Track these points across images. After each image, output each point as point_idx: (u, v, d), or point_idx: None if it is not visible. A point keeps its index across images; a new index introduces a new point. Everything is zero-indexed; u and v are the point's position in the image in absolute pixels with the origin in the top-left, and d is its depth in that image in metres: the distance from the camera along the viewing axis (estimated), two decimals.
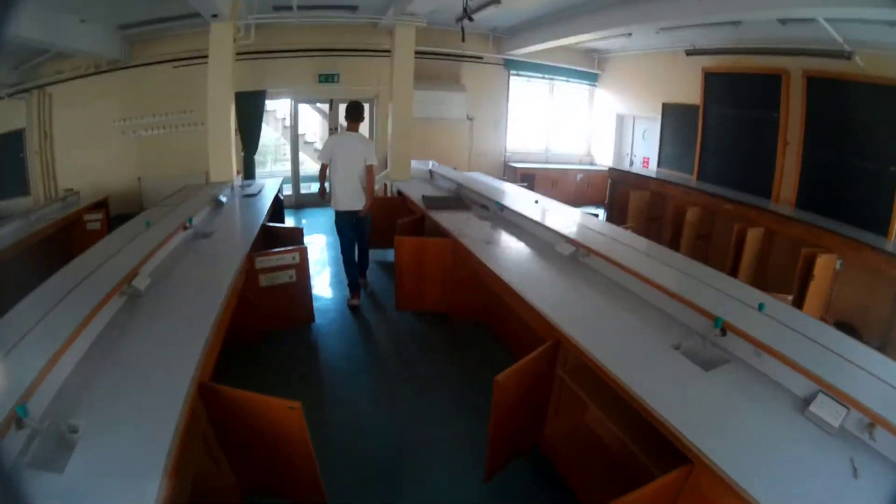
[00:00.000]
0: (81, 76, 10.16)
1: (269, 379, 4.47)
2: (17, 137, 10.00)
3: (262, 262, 4.75)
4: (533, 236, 5.05)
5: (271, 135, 15.59)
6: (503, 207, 5.75)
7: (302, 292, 5.12)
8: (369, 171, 5.78)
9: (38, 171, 10.15)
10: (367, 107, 10.82)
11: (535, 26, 10.30)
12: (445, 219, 5.65)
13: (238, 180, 8.36)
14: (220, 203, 6.64)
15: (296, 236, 5.82)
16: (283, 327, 5.23)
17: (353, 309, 6.02)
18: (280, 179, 9.06)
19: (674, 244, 7.41)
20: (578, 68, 12.53)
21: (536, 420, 3.47)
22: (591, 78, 12.80)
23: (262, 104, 10.88)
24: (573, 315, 3.24)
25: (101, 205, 8.18)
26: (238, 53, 9.26)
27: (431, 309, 5.54)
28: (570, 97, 13.16)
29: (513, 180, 10.85)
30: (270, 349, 4.95)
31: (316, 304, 5.67)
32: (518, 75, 12.35)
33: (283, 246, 5.18)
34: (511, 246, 4.88)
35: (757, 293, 3.44)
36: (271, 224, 6.07)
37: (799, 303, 5.49)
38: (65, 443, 2.04)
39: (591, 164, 13.12)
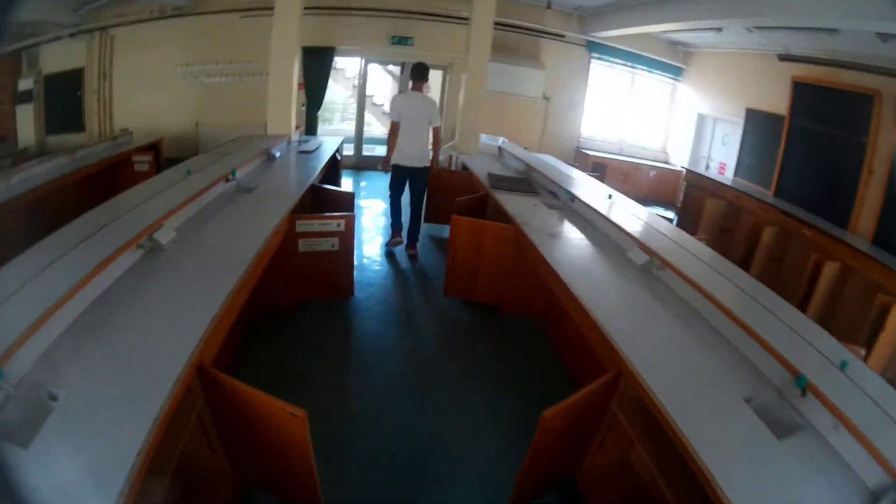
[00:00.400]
0: (145, 20, 10.10)
1: (294, 352, 4.11)
2: (76, 76, 10.11)
3: (303, 225, 4.35)
4: (603, 235, 4.44)
5: (340, 93, 15.29)
6: (574, 198, 5.17)
7: (343, 262, 4.71)
8: (436, 132, 6.03)
9: (95, 110, 10.25)
10: (439, 74, 10.53)
11: (622, 8, 9.60)
12: (510, 202, 5.11)
13: (296, 135, 8.05)
14: (272, 157, 6.31)
15: (346, 201, 5.38)
16: (320, 297, 4.83)
17: (394, 248, 6.37)
18: (340, 139, 8.74)
19: (744, 262, 6.74)
20: (662, 59, 11.70)
21: (577, 452, 2.99)
22: (675, 71, 11.92)
23: (330, 61, 10.58)
24: (640, 341, 2.71)
25: (151, 147, 8.10)
26: (307, 7, 9.00)
27: (482, 299, 5.03)
28: (651, 89, 12.35)
29: (583, 168, 10.14)
30: (302, 319, 4.56)
31: (359, 276, 5.32)
32: (599, 59, 11.62)
33: (332, 210, 4.93)
34: (579, 244, 4.30)
35: (835, 344, 2.82)
36: (321, 185, 5.66)
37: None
38: (40, 413, 1.73)
39: (666, 161, 12.26)
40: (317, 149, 7.38)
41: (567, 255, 3.94)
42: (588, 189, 5.72)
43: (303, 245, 4.40)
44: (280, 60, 7.63)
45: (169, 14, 10.17)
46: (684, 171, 10.48)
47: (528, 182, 6.06)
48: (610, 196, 5.42)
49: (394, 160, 6.03)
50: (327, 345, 4.32)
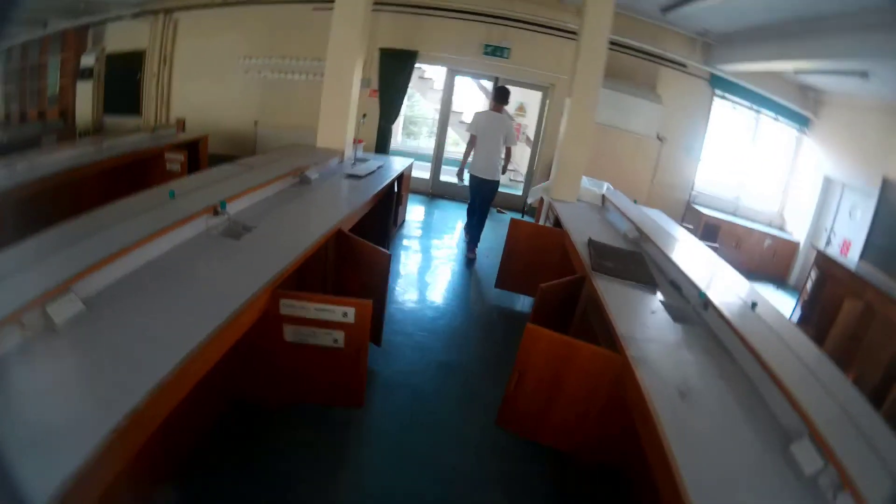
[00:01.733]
0: (210, 6, 9.34)
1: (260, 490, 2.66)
2: (137, 58, 9.78)
3: (290, 306, 2.83)
4: (752, 390, 2.61)
5: (426, 107, 14.06)
6: (707, 303, 3.38)
7: (350, 365, 3.09)
8: (509, 151, 6.61)
9: (153, 95, 9.83)
10: (538, 96, 9.55)
11: (755, 38, 7.75)
12: (617, 298, 3.40)
13: (355, 151, 6.72)
14: (307, 180, 4.97)
15: (378, 265, 3.71)
16: (315, 402, 3.33)
17: (470, 263, 6.64)
18: (409, 161, 7.36)
19: (882, 390, 4.87)
20: (787, 104, 9.58)
21: None
22: (801, 121, 9.76)
23: (411, 67, 9.12)
24: None
25: (190, 145, 7.20)
26: (385, 3, 8.07)
27: (547, 442, 3.33)
28: (772, 139, 10.26)
29: (695, 227, 8.62)
30: (283, 430, 3.11)
31: (384, 364, 3.93)
32: (723, 98, 9.63)
33: (359, 272, 3.73)
34: (717, 410, 2.41)
35: None
36: (351, 234, 3.97)
37: None
38: None
39: (781, 228, 10.12)
40: (372, 172, 5.97)
41: (697, 437, 2.15)
42: (722, 284, 3.90)
43: (291, 334, 2.88)
44: (339, 59, 6.24)
45: (235, 1, 9.21)
46: (814, 251, 8.00)
47: (643, 263, 4.25)
48: (754, 305, 3.58)
49: (472, 171, 6.54)
50: (304, 493, 2.74)
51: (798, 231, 9.69)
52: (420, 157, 9.64)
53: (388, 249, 3.62)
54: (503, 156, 6.58)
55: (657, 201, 8.72)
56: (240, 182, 4.16)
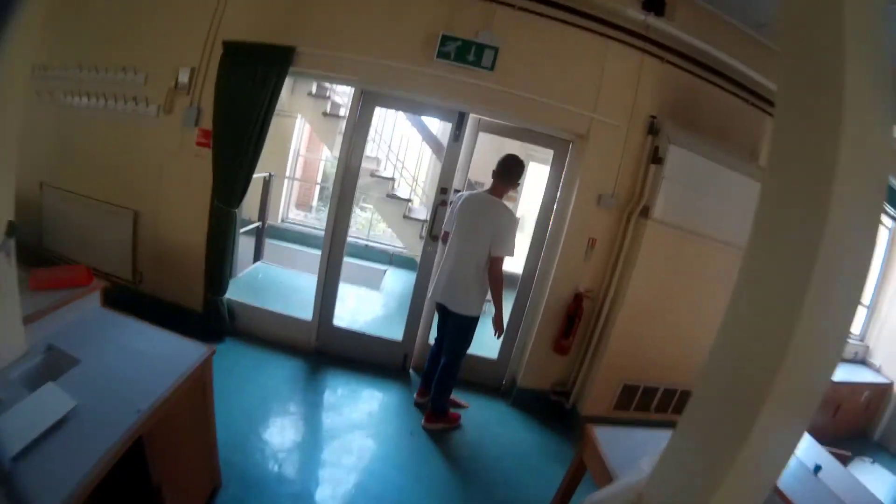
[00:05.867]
0: None
1: None
2: None
3: None
4: None
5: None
6: None
7: None
8: (494, 263, 3.41)
9: None
10: (550, 156, 4.55)
11: None
12: None
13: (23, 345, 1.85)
14: None
15: None
16: None
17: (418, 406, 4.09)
18: (203, 354, 2.21)
19: None
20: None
21: None
22: None
23: (279, 80, 3.90)
24: None
25: None
26: None
27: None
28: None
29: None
30: None
31: None
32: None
33: None
34: None
35: None
36: None
37: None
38: None
39: (864, 360, 6.59)
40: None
41: None
42: None
43: None
44: None
45: None
46: None
47: None
48: None
49: (432, 295, 3.79)
50: None
51: (889, 365, 6.42)
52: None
53: None
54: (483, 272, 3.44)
55: None
56: None
